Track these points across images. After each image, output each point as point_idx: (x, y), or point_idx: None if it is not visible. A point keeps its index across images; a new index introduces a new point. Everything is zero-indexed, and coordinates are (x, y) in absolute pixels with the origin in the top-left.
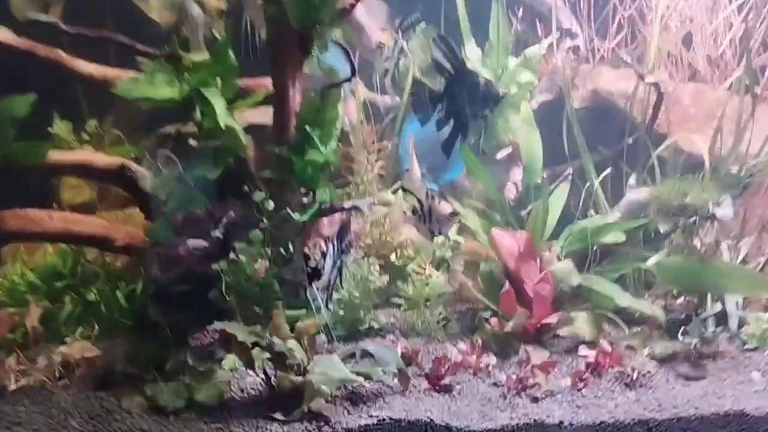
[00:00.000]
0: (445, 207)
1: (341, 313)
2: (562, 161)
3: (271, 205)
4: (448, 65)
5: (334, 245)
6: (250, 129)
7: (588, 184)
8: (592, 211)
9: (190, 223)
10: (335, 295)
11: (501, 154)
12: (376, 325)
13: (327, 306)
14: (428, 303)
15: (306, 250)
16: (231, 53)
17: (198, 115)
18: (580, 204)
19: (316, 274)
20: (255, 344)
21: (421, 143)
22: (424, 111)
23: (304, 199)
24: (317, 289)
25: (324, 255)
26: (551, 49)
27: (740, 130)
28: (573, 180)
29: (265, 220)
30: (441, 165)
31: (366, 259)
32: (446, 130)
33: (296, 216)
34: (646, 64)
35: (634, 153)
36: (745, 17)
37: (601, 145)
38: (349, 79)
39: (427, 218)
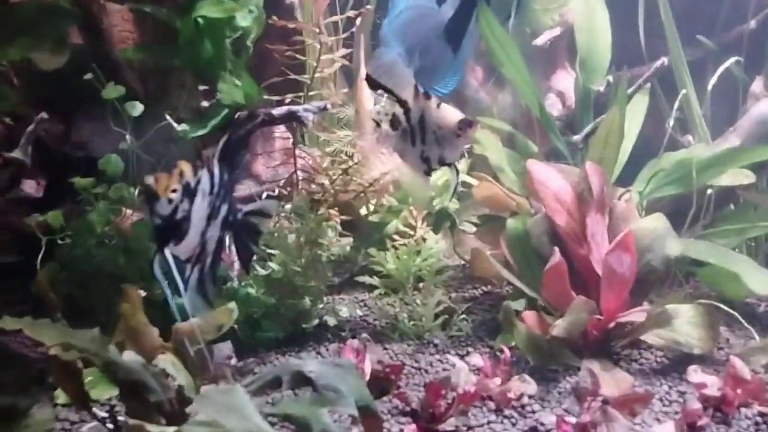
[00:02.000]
0: (449, 113)
1: (271, 300)
2: (637, 61)
3: (138, 109)
4: None
5: (212, 174)
6: None
7: (682, 94)
8: (690, 137)
9: None
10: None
11: (547, 37)
12: (331, 321)
13: (203, 292)
14: (421, 285)
15: (151, 181)
16: None
17: None
18: (669, 126)
19: (170, 227)
20: (87, 363)
21: (407, 27)
22: None
23: (204, 102)
24: (177, 258)
25: (191, 192)
26: None
27: None
28: (654, 89)
29: (129, 137)
30: (434, 64)
31: (315, 212)
32: (452, 2)
33: (183, 128)
34: None
35: (759, 45)
36: None
37: (703, 33)
38: None
39: (417, 135)
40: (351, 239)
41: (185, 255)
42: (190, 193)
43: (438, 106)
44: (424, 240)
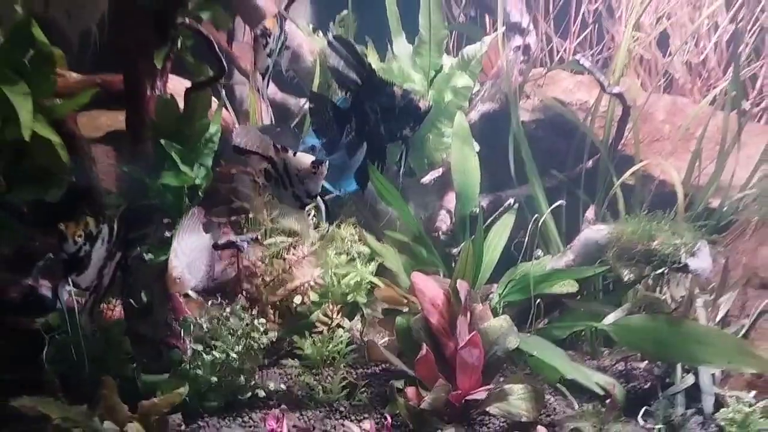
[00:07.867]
0: (303, 158)
1: (213, 379)
2: (506, 186)
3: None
4: (352, 75)
5: (113, 230)
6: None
7: (535, 218)
8: (539, 251)
9: None
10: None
11: (431, 176)
12: (261, 393)
13: (90, 315)
14: (333, 361)
15: (64, 227)
16: (40, 32)
17: None
18: (526, 241)
19: (75, 263)
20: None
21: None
22: (329, 132)
23: (167, 232)
24: (76, 286)
25: (92, 238)
26: (496, 48)
27: (723, 155)
28: (520, 210)
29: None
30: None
31: (250, 310)
32: (359, 156)
33: (148, 256)
34: (613, 69)
35: (594, 179)
36: (734, 16)
37: (555, 167)
38: (217, 78)
39: (286, 180)
40: (276, 333)
41: (86, 284)
42: (90, 239)
43: (294, 154)
44: (340, 327)
